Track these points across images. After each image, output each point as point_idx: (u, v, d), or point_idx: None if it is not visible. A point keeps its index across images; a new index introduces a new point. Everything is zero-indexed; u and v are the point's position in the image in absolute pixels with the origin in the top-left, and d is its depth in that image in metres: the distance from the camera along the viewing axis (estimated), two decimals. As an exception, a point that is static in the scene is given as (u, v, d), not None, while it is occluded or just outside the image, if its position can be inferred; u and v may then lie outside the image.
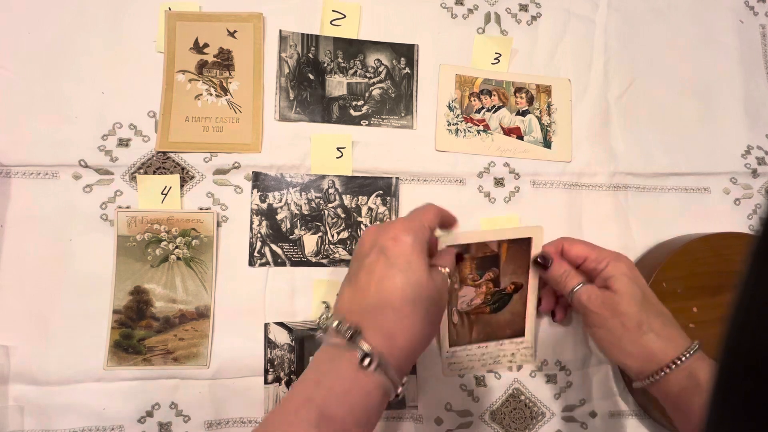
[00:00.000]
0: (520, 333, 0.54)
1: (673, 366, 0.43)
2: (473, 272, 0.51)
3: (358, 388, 0.35)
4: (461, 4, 0.60)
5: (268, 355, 0.51)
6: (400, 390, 0.37)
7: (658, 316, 0.46)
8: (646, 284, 0.48)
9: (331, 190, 0.54)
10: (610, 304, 0.46)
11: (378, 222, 0.54)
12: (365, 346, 0.36)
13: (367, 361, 0.35)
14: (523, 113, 0.59)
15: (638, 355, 0.45)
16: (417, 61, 0.58)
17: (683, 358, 0.43)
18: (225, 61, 0.54)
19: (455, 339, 0.53)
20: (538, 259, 0.50)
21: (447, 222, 0.47)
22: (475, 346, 0.53)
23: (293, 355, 0.51)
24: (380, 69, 0.57)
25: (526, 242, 0.51)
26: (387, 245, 0.40)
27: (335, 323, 0.38)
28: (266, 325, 0.51)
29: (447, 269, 0.43)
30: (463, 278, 0.51)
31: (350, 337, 0.36)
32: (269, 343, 0.51)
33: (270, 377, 0.51)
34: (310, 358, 0.51)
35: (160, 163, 0.52)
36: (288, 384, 0.51)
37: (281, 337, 0.51)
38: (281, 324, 0.51)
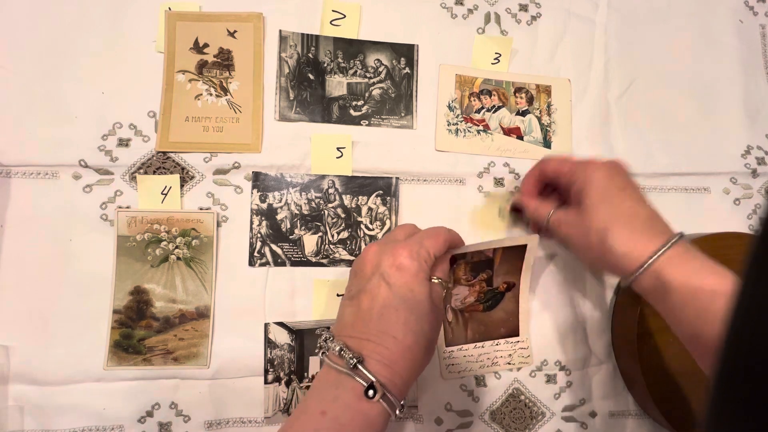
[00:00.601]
0: (515, 332, 0.54)
1: (638, 273, 0.42)
2: (467, 273, 0.52)
3: (361, 416, 0.37)
4: (461, 4, 0.60)
5: (268, 355, 0.51)
6: (398, 412, 0.38)
7: (627, 222, 0.44)
8: (627, 182, 0.46)
9: (331, 190, 0.54)
10: (576, 223, 0.46)
11: (379, 222, 0.54)
12: (369, 377, 0.37)
13: (371, 392, 0.36)
14: (523, 113, 0.59)
15: (609, 267, 0.46)
16: (417, 61, 0.58)
17: (645, 265, 0.42)
18: (225, 61, 0.54)
19: (451, 338, 0.53)
20: (514, 208, 0.54)
21: (454, 246, 0.45)
22: (472, 346, 0.53)
23: (293, 354, 0.51)
24: (380, 69, 0.57)
25: (521, 249, 0.51)
26: (390, 273, 0.40)
27: (337, 348, 0.38)
28: (266, 325, 0.51)
29: (441, 279, 0.43)
30: (457, 279, 0.52)
31: (353, 366, 0.37)
32: (269, 343, 0.51)
33: (270, 377, 0.51)
34: (310, 358, 0.51)
35: (160, 163, 0.52)
36: (288, 384, 0.51)
37: (281, 337, 0.51)
38: (281, 324, 0.51)
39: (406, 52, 0.58)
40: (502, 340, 0.54)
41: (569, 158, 0.51)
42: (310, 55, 0.56)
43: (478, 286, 0.52)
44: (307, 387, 0.51)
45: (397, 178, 0.55)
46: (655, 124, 0.61)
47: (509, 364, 0.54)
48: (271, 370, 0.51)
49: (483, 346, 0.54)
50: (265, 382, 0.50)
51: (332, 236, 0.54)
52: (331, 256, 0.53)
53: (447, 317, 0.53)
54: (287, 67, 0.55)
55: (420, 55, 0.58)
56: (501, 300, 0.53)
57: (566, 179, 0.48)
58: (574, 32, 0.61)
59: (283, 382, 0.51)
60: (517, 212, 0.55)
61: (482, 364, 0.54)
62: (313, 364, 0.51)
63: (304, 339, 0.51)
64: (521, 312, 0.54)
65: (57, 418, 0.48)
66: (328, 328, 0.44)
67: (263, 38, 0.55)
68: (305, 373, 0.51)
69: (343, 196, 0.54)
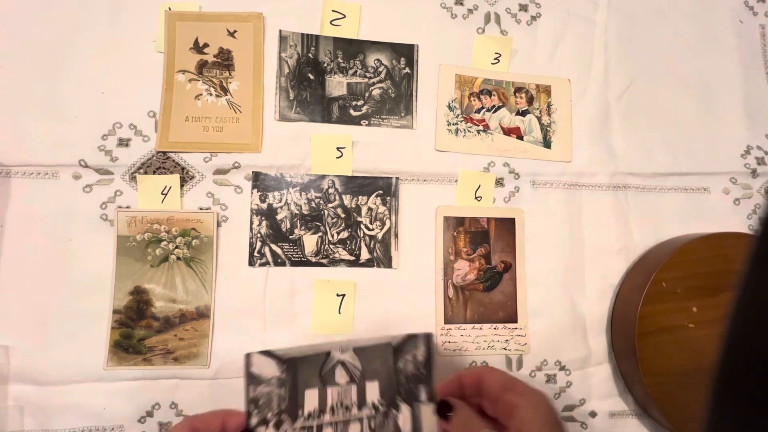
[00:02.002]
0: (513, 318, 0.55)
1: None
2: (467, 246, 0.55)
3: None
4: (461, 4, 0.60)
5: (251, 394, 0.38)
6: None
7: None
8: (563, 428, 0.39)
9: (331, 190, 0.54)
10: None
11: (378, 222, 0.54)
12: None
13: None
14: (523, 113, 0.59)
15: None
16: (417, 61, 0.58)
17: None
18: (225, 61, 0.54)
19: (450, 315, 0.54)
20: (439, 407, 0.39)
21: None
22: (470, 326, 0.54)
23: (283, 389, 0.38)
24: (380, 69, 0.57)
25: (511, 222, 0.56)
26: None
27: None
28: (247, 356, 0.38)
29: None
30: (458, 251, 0.55)
31: None
32: (252, 379, 0.38)
33: (255, 420, 0.37)
34: (306, 391, 0.39)
35: (160, 163, 0.52)
36: (277, 426, 0.38)
37: (267, 369, 0.39)
38: (267, 353, 0.39)
39: (406, 52, 0.58)
40: (500, 325, 0.55)
41: (508, 374, 0.42)
42: (310, 55, 0.56)
43: (477, 263, 0.55)
44: (302, 428, 0.38)
45: (397, 178, 0.55)
46: (655, 124, 0.61)
47: (506, 350, 0.54)
48: (255, 411, 0.38)
49: (481, 328, 0.54)
50: (248, 428, 0.38)
51: (332, 236, 0.54)
52: (331, 256, 0.53)
53: (448, 293, 0.54)
54: (287, 67, 0.55)
55: (420, 55, 0.58)
56: (500, 281, 0.55)
57: (508, 392, 0.40)
58: (574, 32, 0.61)
59: (271, 424, 0.38)
60: (441, 414, 0.39)
61: (478, 345, 0.54)
62: (309, 398, 0.39)
63: (297, 366, 0.39)
64: (519, 296, 0.55)
65: (57, 418, 0.48)
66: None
67: (263, 38, 0.55)
68: (300, 411, 0.38)
69: (343, 196, 0.54)
